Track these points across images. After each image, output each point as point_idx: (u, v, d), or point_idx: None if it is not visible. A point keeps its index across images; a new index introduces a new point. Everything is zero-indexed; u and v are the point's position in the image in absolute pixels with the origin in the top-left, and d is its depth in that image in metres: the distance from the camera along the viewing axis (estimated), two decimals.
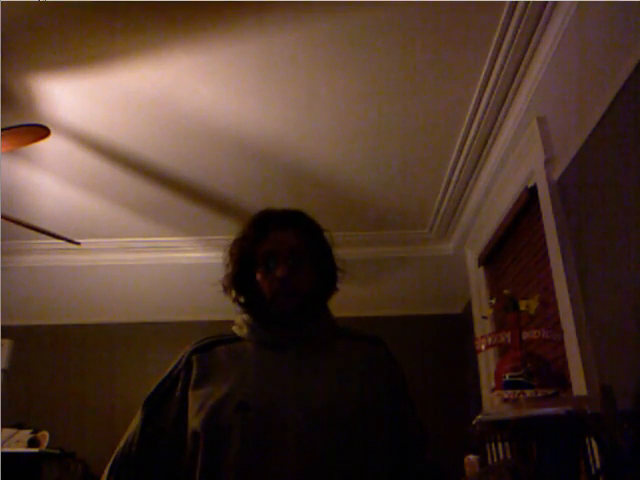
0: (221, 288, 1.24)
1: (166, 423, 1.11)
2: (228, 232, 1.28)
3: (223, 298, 1.26)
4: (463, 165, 2.89)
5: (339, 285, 1.24)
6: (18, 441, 3.40)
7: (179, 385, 1.13)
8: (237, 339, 1.19)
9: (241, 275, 1.20)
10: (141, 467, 1.10)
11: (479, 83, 2.32)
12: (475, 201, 3.13)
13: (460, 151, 2.79)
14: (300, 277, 1.16)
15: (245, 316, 1.21)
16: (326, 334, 1.20)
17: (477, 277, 3.27)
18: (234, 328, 1.22)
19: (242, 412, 1.04)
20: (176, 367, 1.17)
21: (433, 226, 3.62)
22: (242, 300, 1.22)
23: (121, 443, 1.14)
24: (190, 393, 1.11)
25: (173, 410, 1.11)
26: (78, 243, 2.98)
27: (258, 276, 1.17)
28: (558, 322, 1.98)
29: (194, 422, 1.06)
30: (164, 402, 1.13)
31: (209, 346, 1.18)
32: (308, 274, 1.17)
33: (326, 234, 1.26)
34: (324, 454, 1.01)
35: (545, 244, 2.11)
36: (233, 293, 1.22)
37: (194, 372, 1.13)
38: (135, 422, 1.14)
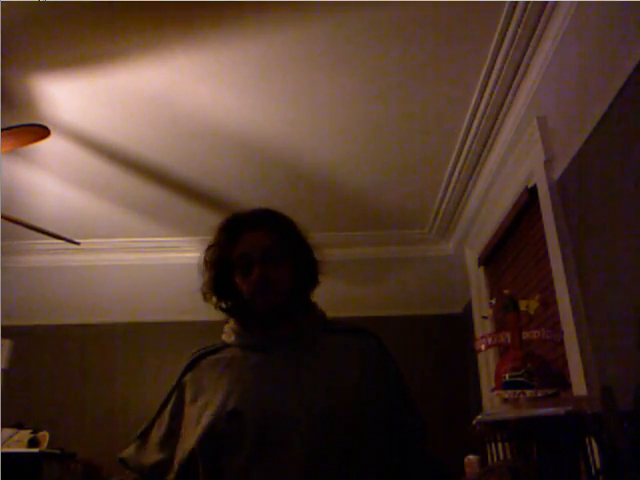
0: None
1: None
2: None
3: None
4: (463, 165, 2.89)
5: (320, 277, 1.23)
6: (18, 441, 3.40)
7: (174, 413, 1.15)
8: (225, 347, 1.20)
9: (220, 280, 1.20)
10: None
11: (479, 83, 2.31)
12: (475, 201, 3.13)
13: (460, 151, 2.79)
14: (277, 275, 1.15)
15: (231, 322, 1.22)
16: (314, 330, 1.19)
17: (477, 277, 3.27)
18: (223, 336, 1.23)
19: (235, 419, 1.03)
20: (170, 394, 1.19)
21: (433, 226, 3.62)
22: (224, 306, 1.22)
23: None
24: (186, 409, 1.12)
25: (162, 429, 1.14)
26: (78, 243, 2.98)
27: (237, 279, 1.17)
28: (558, 322, 1.98)
29: (191, 439, 1.06)
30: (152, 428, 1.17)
31: (198, 360, 1.19)
32: (286, 270, 1.17)
33: (298, 226, 1.24)
34: (326, 453, 1.01)
35: (545, 244, 2.11)
36: (214, 299, 1.22)
37: (187, 392, 1.15)
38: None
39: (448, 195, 3.20)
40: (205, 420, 1.05)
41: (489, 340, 1.72)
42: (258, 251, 1.16)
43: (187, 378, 1.17)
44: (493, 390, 1.64)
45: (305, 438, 1.00)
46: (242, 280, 1.16)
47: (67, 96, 2.37)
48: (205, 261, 1.23)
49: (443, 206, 3.34)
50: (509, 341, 1.64)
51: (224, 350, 1.19)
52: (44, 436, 3.47)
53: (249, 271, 1.15)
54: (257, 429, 1.02)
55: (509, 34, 2.04)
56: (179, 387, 1.17)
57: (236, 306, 1.20)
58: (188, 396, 1.13)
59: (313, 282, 1.23)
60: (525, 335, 1.62)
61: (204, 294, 1.23)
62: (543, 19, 1.95)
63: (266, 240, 1.17)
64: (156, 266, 3.88)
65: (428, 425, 1.20)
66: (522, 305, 1.65)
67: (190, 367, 1.18)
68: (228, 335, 1.21)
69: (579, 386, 1.79)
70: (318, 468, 0.99)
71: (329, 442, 1.01)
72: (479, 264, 3.21)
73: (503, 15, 1.97)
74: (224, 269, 1.19)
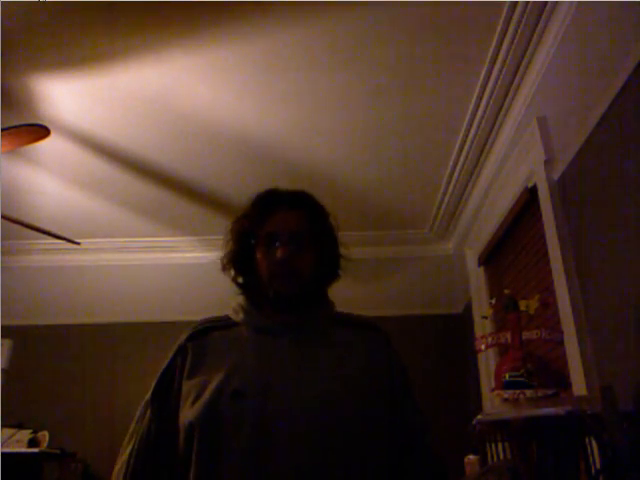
0: (221, 284, 1.22)
1: (172, 418, 1.08)
2: None
3: (223, 297, 1.25)
4: (463, 165, 2.89)
5: (341, 272, 1.21)
6: (18, 441, 3.40)
7: (176, 376, 1.11)
8: (233, 324, 1.17)
9: (241, 254, 1.18)
10: (161, 467, 1.07)
11: (479, 83, 2.32)
12: (475, 201, 3.13)
13: (460, 151, 2.79)
14: (301, 261, 1.13)
15: (241, 299, 1.19)
16: (324, 321, 1.18)
17: (477, 277, 3.26)
18: (230, 313, 1.19)
19: (238, 400, 1.01)
20: (173, 357, 1.15)
21: (433, 226, 3.62)
22: (240, 280, 1.20)
23: (130, 443, 1.10)
24: (184, 383, 1.09)
25: (174, 403, 1.09)
26: (78, 243, 2.98)
27: (258, 256, 1.15)
28: (558, 322, 1.98)
29: (190, 413, 1.03)
30: (168, 395, 1.11)
31: (204, 332, 1.16)
32: (309, 258, 1.14)
33: (331, 218, 1.23)
34: (325, 442, 1.00)
35: (545, 244, 2.11)
36: (232, 272, 1.20)
37: (188, 360, 1.11)
38: (144, 419, 1.11)
39: (448, 195, 3.20)
40: (207, 396, 1.03)
41: (489, 340, 1.72)
42: (287, 233, 1.13)
43: (190, 345, 1.13)
44: (493, 390, 1.64)
45: (304, 425, 1.00)
46: (264, 256, 1.13)
47: (67, 96, 2.37)
48: (232, 231, 1.21)
49: (443, 206, 3.34)
50: (509, 341, 1.64)
51: (230, 329, 1.16)
52: (44, 436, 3.48)
53: (273, 250, 1.12)
54: (257, 412, 1.01)
55: (509, 34, 2.05)
56: (182, 351, 1.13)
57: (251, 284, 1.18)
58: (187, 368, 1.10)
59: (333, 275, 1.21)
60: (525, 335, 1.63)
61: (223, 265, 1.20)
62: (543, 19, 1.95)
63: (297, 223, 1.15)
64: (156, 266, 3.88)
65: (429, 420, 1.19)
66: (522, 305, 1.65)
67: (194, 336, 1.15)
68: (235, 312, 1.18)
69: (579, 386, 1.79)
70: (317, 456, 0.99)
71: (328, 430, 1.01)
72: (479, 264, 3.20)
73: (503, 15, 1.98)
74: (248, 243, 1.16)
